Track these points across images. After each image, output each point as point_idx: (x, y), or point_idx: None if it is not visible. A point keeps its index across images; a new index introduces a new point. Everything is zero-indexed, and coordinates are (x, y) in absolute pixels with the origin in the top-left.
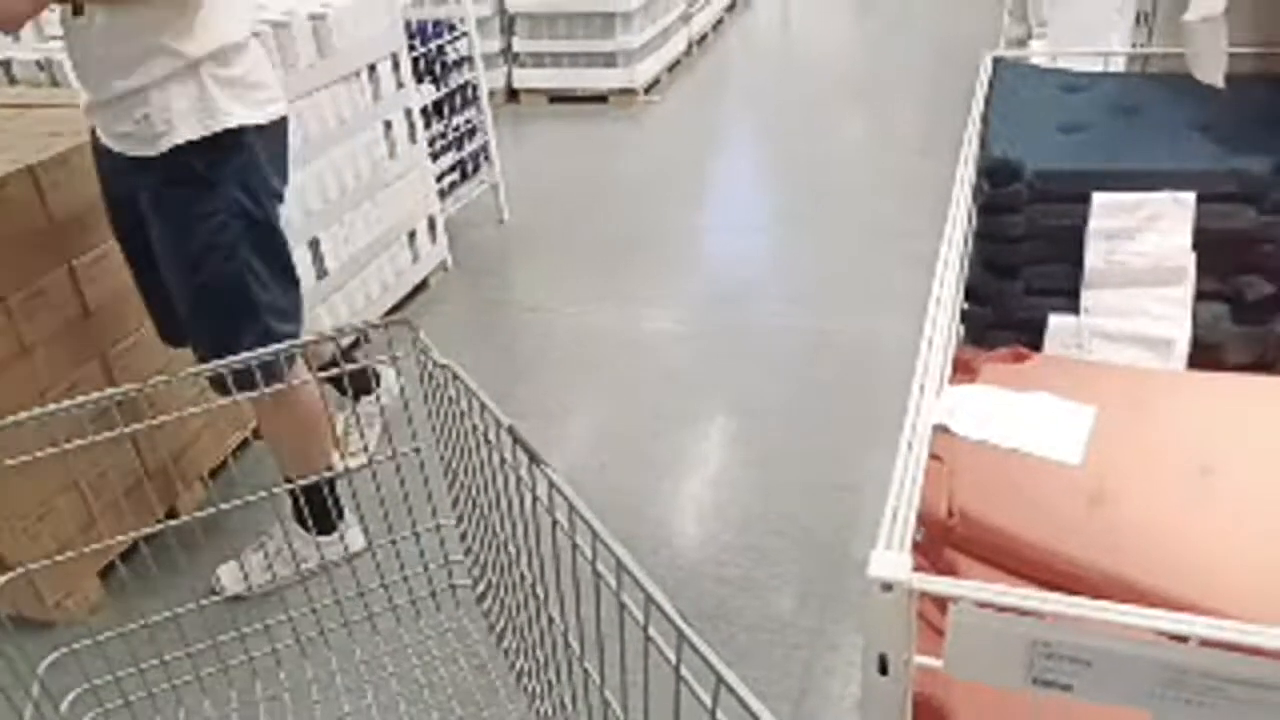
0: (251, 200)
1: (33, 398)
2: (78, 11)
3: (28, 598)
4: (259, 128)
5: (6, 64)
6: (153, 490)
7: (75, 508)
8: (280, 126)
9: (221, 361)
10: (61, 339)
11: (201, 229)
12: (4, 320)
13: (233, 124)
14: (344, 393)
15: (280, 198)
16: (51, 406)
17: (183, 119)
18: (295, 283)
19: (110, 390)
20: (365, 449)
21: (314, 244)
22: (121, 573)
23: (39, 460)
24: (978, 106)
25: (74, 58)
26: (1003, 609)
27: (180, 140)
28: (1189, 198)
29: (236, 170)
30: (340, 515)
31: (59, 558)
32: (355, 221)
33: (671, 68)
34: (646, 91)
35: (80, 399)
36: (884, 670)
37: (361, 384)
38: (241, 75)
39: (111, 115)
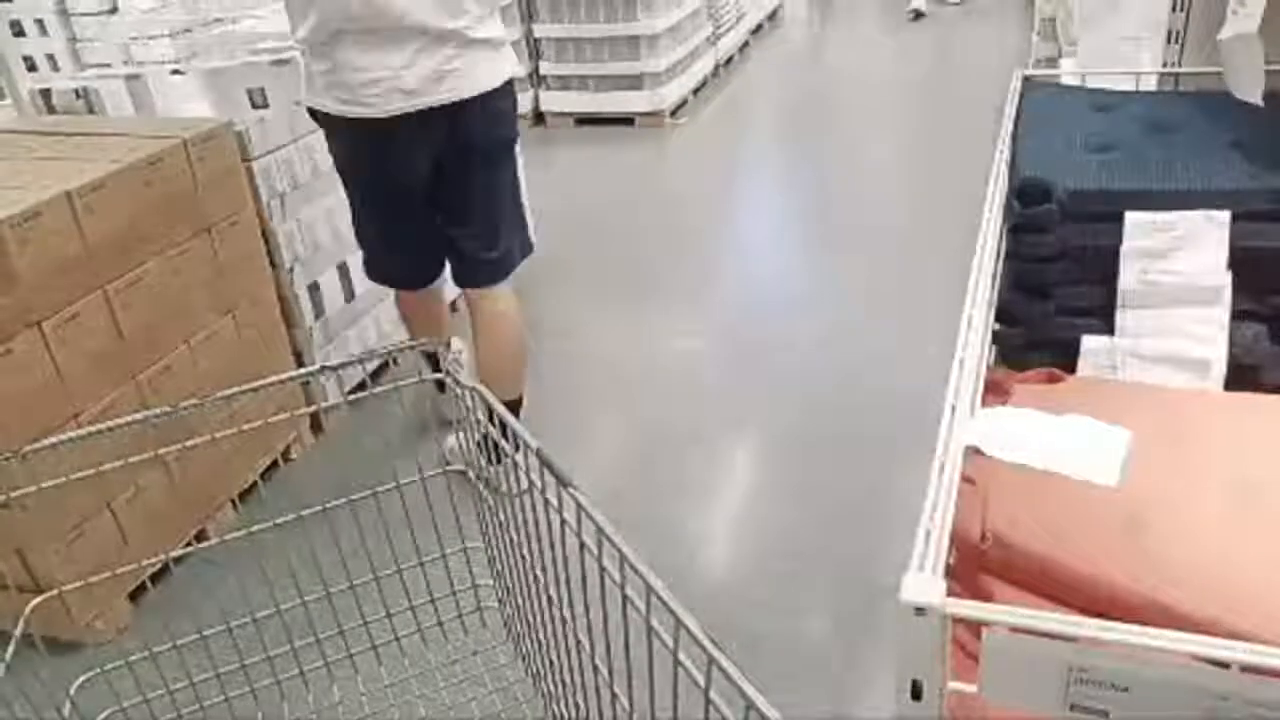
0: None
1: (67, 421)
2: None
3: (59, 618)
4: None
5: (46, 93)
6: (183, 513)
7: (108, 529)
8: None
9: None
10: (95, 363)
11: (512, 149)
12: (39, 344)
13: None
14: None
15: None
16: (85, 430)
17: (506, 57)
18: None
19: (143, 413)
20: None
21: (342, 268)
22: (151, 594)
23: (73, 482)
24: (1007, 126)
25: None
26: (1038, 634)
27: (509, 75)
28: (1224, 216)
29: (516, 106)
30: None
31: (92, 579)
32: None
33: (698, 90)
34: (673, 114)
35: (114, 422)
36: (917, 695)
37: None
38: None
39: (456, 54)
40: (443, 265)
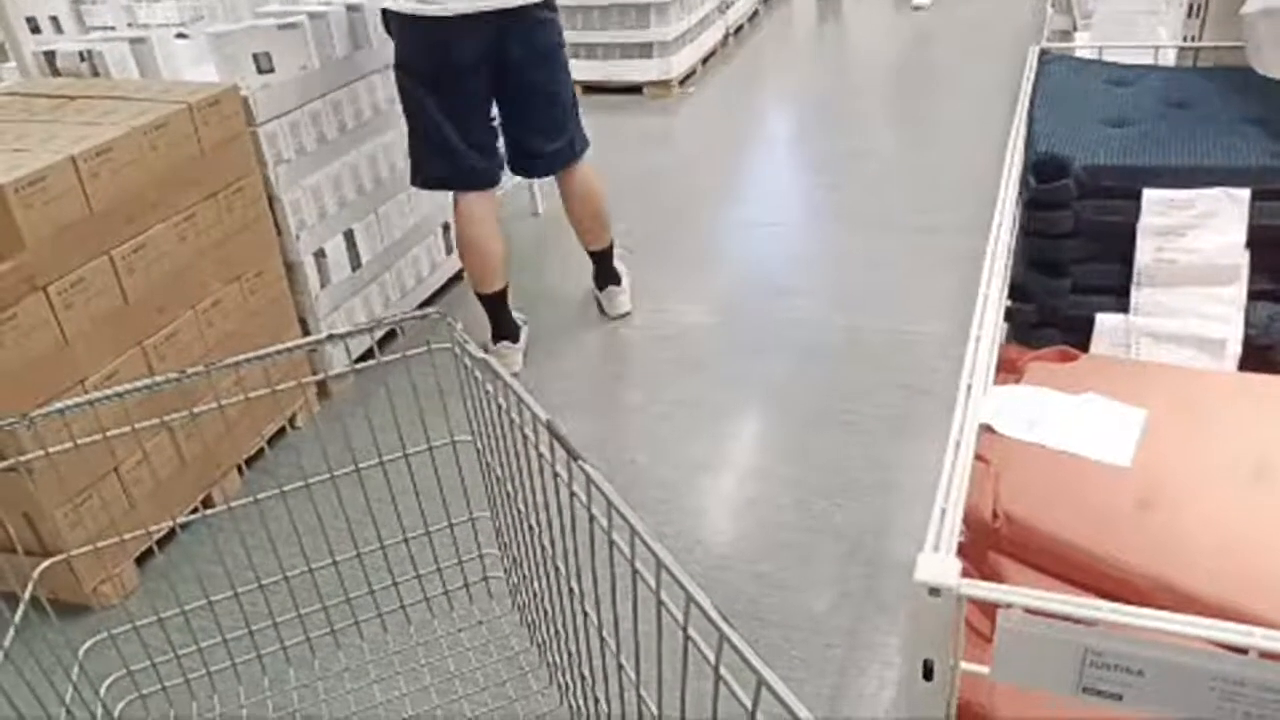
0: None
1: (73, 386)
2: None
3: (66, 582)
4: None
5: (50, 55)
6: (190, 479)
7: (115, 495)
8: None
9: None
10: (101, 328)
11: (559, 53)
12: (44, 309)
13: None
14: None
15: None
16: (92, 395)
17: None
18: None
19: (151, 379)
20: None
21: (349, 235)
22: (159, 559)
23: (80, 447)
24: (1024, 100)
25: None
26: (1053, 616)
27: None
28: (1243, 194)
29: (558, 15)
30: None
31: (99, 544)
32: (389, 213)
33: (707, 59)
34: (682, 83)
35: (120, 388)
36: (929, 675)
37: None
38: None
39: None
40: (499, 167)
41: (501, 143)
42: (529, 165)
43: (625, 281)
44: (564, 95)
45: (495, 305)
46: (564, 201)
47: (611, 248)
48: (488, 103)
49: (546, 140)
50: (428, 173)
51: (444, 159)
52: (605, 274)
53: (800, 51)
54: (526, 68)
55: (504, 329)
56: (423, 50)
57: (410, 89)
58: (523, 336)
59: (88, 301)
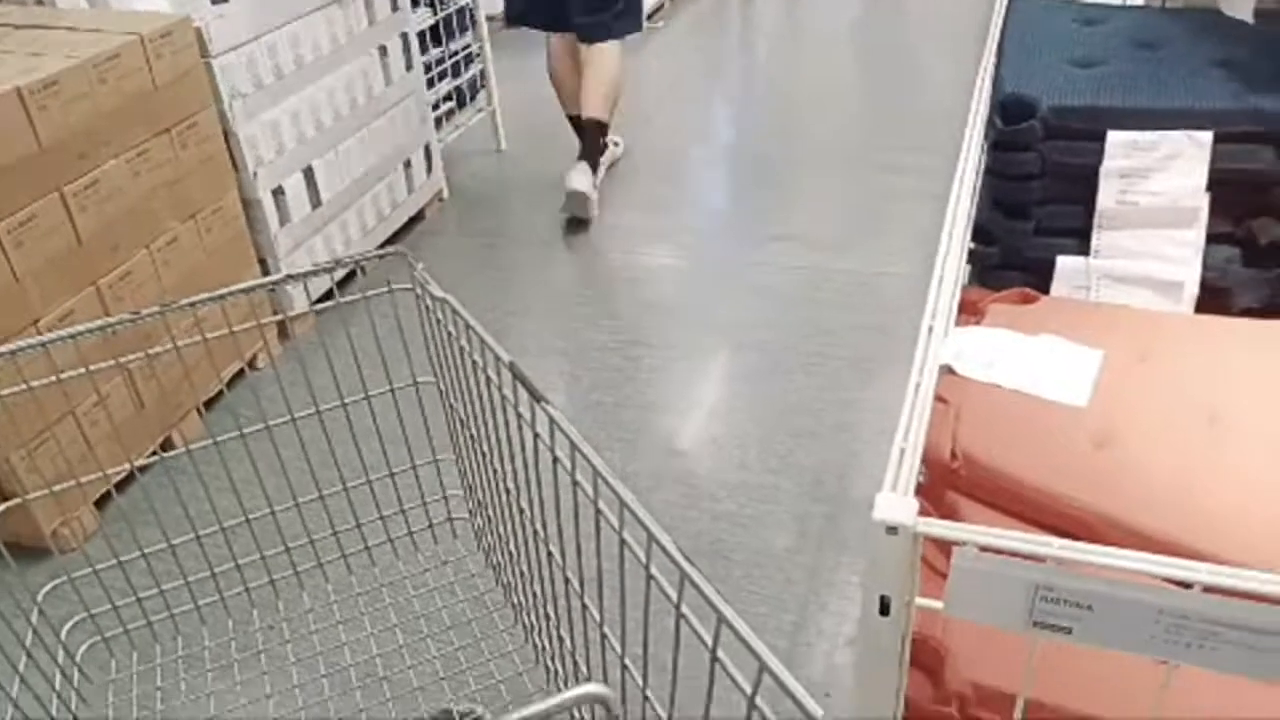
0: None
1: (26, 328)
2: None
3: (24, 525)
4: None
5: None
6: (149, 421)
7: (72, 437)
8: None
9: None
10: (54, 268)
11: None
12: None
13: None
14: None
15: None
16: (47, 336)
17: None
18: None
19: (105, 320)
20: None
21: (308, 172)
22: (118, 502)
23: (34, 389)
24: (993, 40)
25: None
26: (1006, 553)
27: None
28: (1206, 137)
29: None
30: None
31: (56, 487)
32: (350, 149)
33: None
34: (650, 18)
35: (75, 329)
36: (885, 611)
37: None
38: None
39: None
40: (548, 24)
41: None
42: (584, 32)
43: (600, 172)
44: None
45: (575, 127)
46: (582, 68)
47: (598, 130)
48: None
49: (586, 13)
50: (509, 10)
51: (530, 10)
52: (584, 149)
53: None
54: None
55: (582, 151)
56: None
57: None
58: (603, 165)
59: (39, 240)
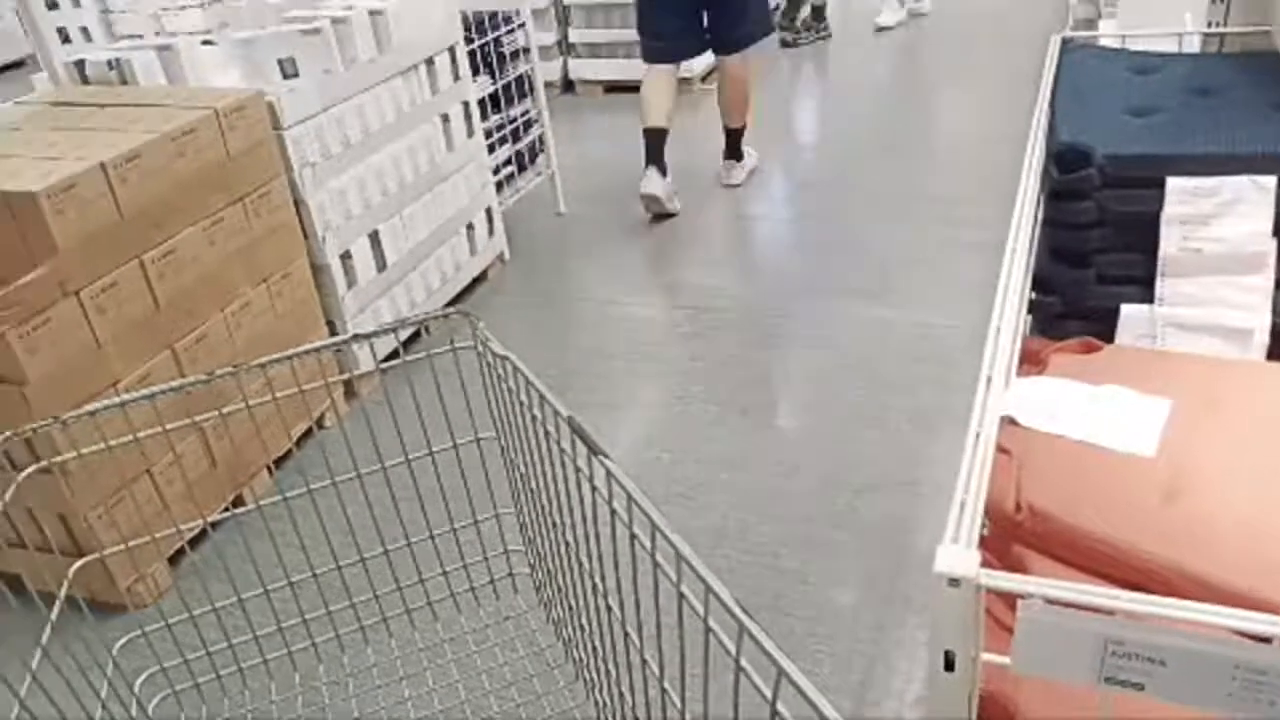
0: None
1: (105, 389)
2: None
3: (100, 581)
4: None
5: (80, 64)
6: (221, 478)
7: (148, 494)
8: None
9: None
10: (133, 332)
11: None
12: (77, 312)
13: None
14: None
15: None
16: (124, 397)
17: None
18: None
19: (181, 380)
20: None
21: (374, 236)
22: (190, 558)
23: (112, 448)
24: (1046, 90)
25: None
26: (1073, 606)
27: None
28: (1269, 181)
29: None
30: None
31: (132, 543)
32: (414, 214)
33: None
34: (703, 80)
35: (152, 390)
36: (950, 667)
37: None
38: None
39: None
40: (692, 52)
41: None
42: (721, 46)
43: (748, 162)
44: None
45: (652, 140)
46: (718, 81)
47: (742, 132)
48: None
49: (729, 28)
50: (649, 54)
51: (657, 48)
52: (730, 150)
53: (822, 50)
54: None
55: (654, 157)
56: None
57: None
58: (744, 169)
59: (119, 305)
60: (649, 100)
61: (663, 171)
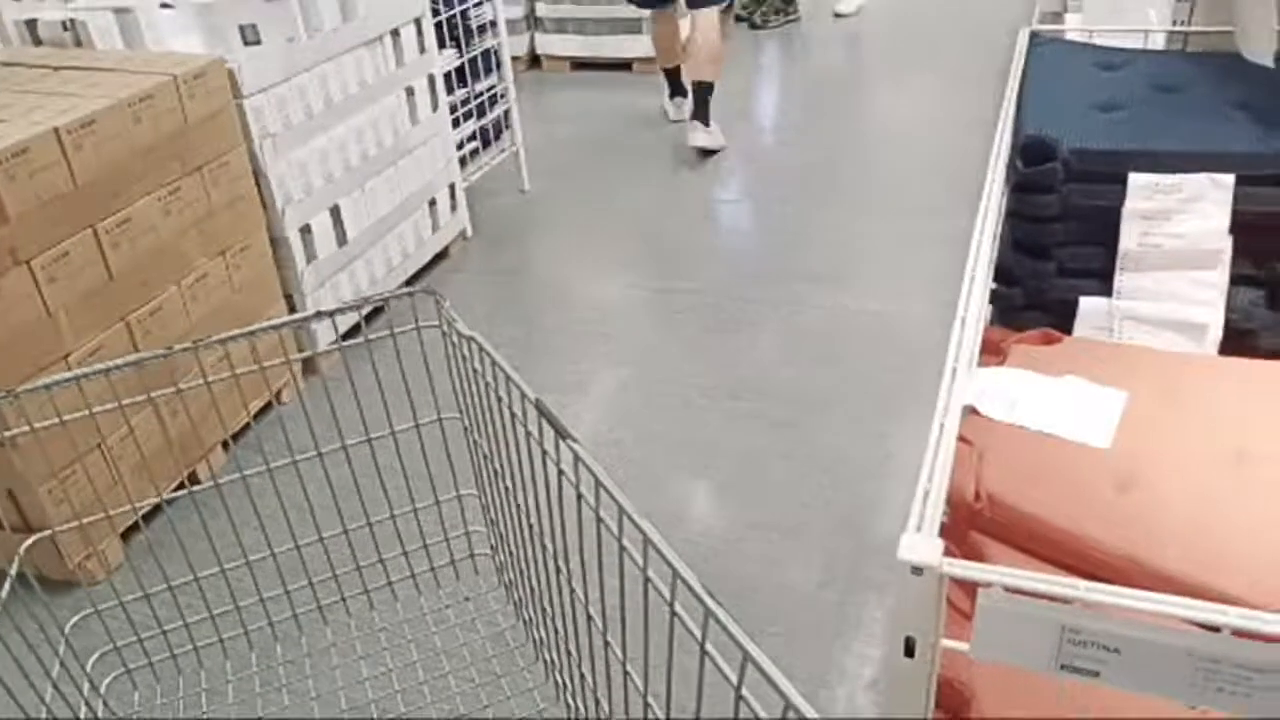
0: None
1: (57, 361)
2: None
3: (50, 558)
4: None
5: (31, 24)
6: (176, 455)
7: (100, 470)
8: None
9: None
10: (85, 303)
11: None
12: (28, 283)
13: None
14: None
15: None
16: (78, 371)
17: None
18: None
19: (139, 354)
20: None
21: (335, 210)
22: (144, 535)
23: (65, 423)
24: (1013, 83)
25: None
26: (1033, 595)
27: None
28: (1228, 179)
29: None
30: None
31: (84, 520)
32: (376, 189)
33: None
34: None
35: (106, 364)
36: (910, 653)
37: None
38: None
39: None
40: None
41: None
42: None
43: (715, 140)
44: None
45: (670, 77)
46: (689, 33)
47: (710, 88)
48: None
49: None
50: None
51: None
52: (696, 110)
53: (790, 33)
54: None
55: (676, 90)
56: None
57: None
58: (688, 105)
59: (71, 275)
60: (658, 47)
61: (706, 120)
